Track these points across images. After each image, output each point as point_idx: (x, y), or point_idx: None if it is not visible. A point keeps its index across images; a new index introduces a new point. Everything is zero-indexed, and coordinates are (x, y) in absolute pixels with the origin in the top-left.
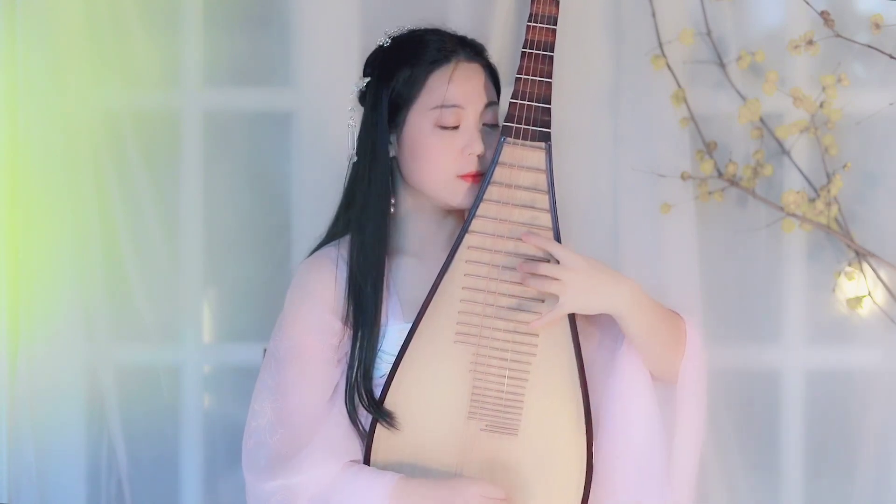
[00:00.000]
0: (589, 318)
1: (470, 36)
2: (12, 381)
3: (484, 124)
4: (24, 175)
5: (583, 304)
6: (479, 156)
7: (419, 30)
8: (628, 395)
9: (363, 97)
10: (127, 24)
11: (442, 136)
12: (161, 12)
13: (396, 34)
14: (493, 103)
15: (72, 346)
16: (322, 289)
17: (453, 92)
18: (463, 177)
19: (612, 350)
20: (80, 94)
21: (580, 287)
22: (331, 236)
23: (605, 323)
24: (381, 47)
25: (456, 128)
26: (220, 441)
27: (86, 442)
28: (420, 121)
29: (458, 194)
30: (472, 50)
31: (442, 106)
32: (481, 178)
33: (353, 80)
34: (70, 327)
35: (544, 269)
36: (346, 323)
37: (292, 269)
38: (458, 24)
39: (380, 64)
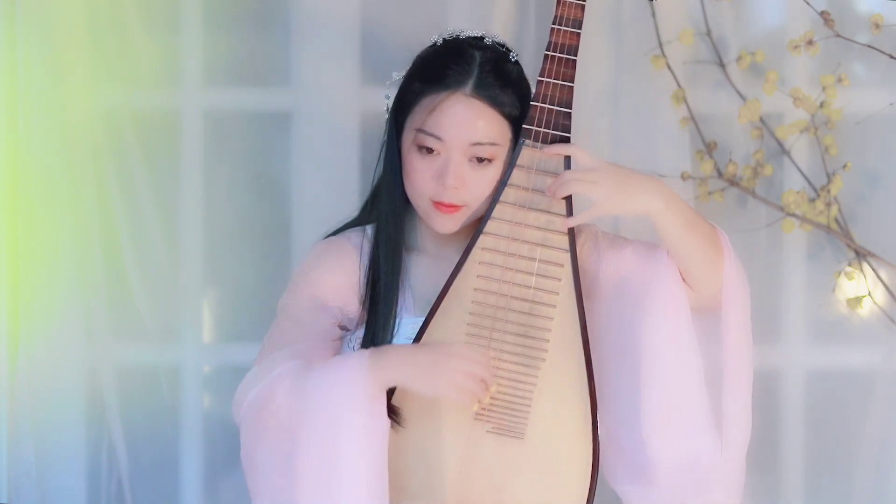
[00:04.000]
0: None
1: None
2: (12, 381)
3: (475, 158)
4: (24, 174)
5: (619, 203)
6: (456, 188)
7: (464, 42)
8: (667, 337)
9: None
10: (127, 24)
11: (420, 156)
12: (161, 12)
13: (448, 38)
14: (485, 143)
15: (72, 346)
16: (341, 262)
17: (433, 122)
18: (436, 204)
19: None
20: (80, 94)
21: (614, 185)
22: (357, 221)
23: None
24: (432, 45)
25: (436, 153)
26: (220, 441)
27: (86, 442)
28: (407, 135)
29: (433, 219)
30: (495, 82)
31: (421, 130)
32: (456, 210)
33: (353, 80)
34: (70, 327)
35: (572, 174)
36: (363, 307)
37: (292, 268)
38: (458, 24)
39: (416, 63)
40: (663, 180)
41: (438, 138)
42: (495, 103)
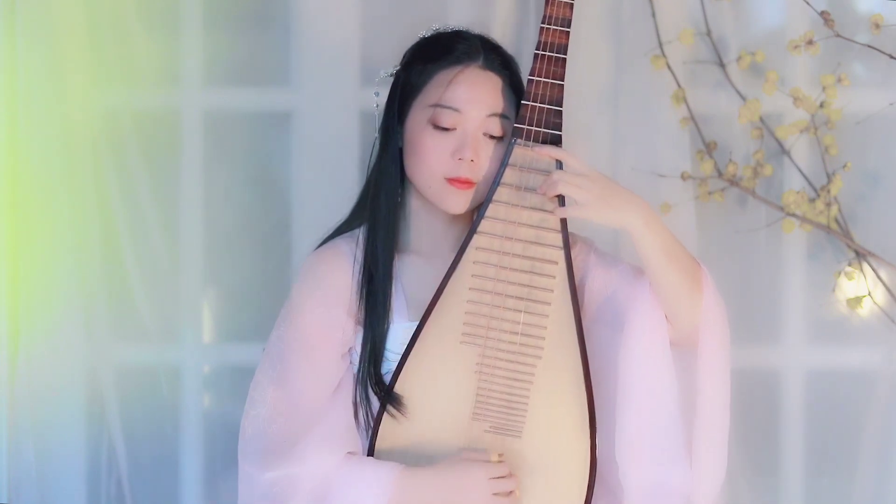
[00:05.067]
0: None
1: None
2: (12, 381)
3: (487, 134)
4: (24, 174)
5: (602, 212)
6: (472, 162)
7: (460, 30)
8: (644, 363)
9: None
10: (127, 24)
11: (435, 135)
12: (161, 12)
13: (441, 30)
14: (499, 115)
15: (72, 346)
16: (333, 281)
17: (452, 94)
18: (451, 181)
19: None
20: (80, 94)
21: (601, 194)
22: (347, 225)
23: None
24: (422, 38)
25: (451, 130)
26: (220, 441)
27: (86, 442)
28: (418, 115)
29: (447, 199)
30: (498, 59)
31: (438, 105)
32: (471, 186)
33: (353, 80)
34: (70, 327)
35: (562, 175)
36: (356, 317)
37: (292, 269)
38: (458, 24)
39: (410, 53)
40: (663, 180)
41: (457, 110)
42: (504, 76)
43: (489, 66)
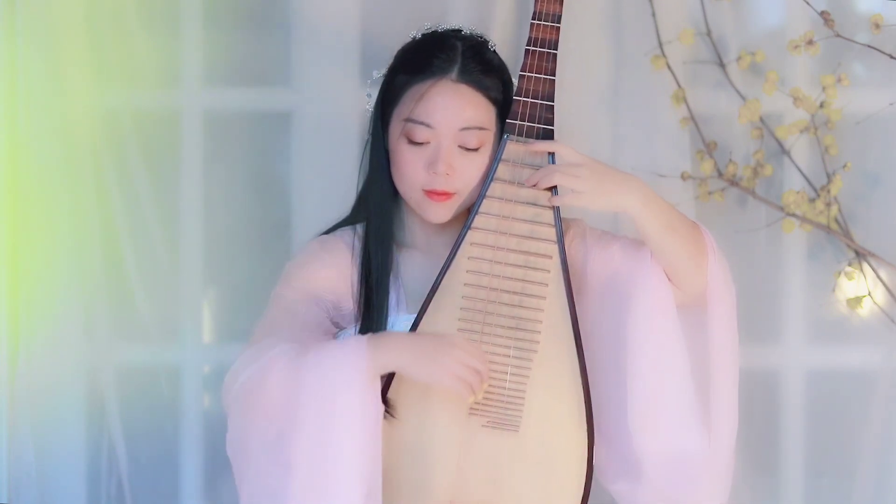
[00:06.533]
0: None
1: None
2: (12, 381)
3: (463, 147)
4: (24, 175)
5: (599, 199)
6: (447, 175)
7: (446, 36)
8: (652, 333)
9: None
10: (127, 24)
11: (410, 149)
12: (161, 12)
13: (428, 31)
14: (473, 128)
15: (72, 346)
16: (334, 259)
17: (422, 110)
18: (427, 193)
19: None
20: (80, 94)
21: (596, 182)
22: (348, 221)
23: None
24: (411, 40)
25: (425, 143)
26: (220, 441)
27: (86, 442)
28: (395, 128)
29: (426, 209)
30: (477, 68)
31: (409, 120)
32: (448, 197)
33: (352, 80)
34: (70, 327)
35: (555, 167)
36: (356, 302)
37: None
38: (458, 24)
39: (398, 57)
40: (663, 180)
41: (428, 125)
42: (480, 87)
43: (464, 77)
